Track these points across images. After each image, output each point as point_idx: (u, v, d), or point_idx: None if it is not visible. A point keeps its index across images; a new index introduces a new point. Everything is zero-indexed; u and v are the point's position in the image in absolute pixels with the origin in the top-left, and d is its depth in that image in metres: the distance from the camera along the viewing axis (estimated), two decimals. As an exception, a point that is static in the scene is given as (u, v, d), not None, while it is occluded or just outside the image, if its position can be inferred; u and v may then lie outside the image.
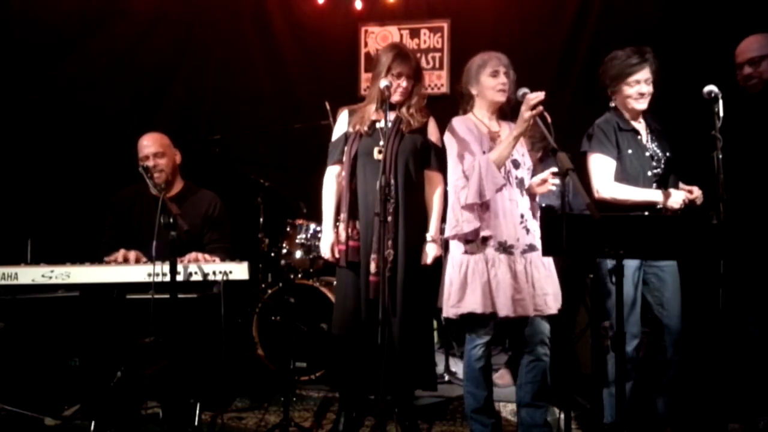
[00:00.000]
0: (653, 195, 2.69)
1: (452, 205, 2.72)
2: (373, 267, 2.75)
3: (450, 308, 2.66)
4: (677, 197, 2.67)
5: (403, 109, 2.87)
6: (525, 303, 2.58)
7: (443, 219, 2.90)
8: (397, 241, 2.79)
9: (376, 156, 2.78)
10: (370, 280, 2.76)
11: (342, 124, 2.96)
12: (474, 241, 2.65)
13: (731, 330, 2.72)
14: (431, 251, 2.85)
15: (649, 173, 2.74)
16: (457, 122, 2.76)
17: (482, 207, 2.62)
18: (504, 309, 2.57)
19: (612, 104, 2.83)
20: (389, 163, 2.76)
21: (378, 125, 2.83)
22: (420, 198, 2.90)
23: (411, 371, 2.84)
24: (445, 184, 2.90)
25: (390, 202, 2.73)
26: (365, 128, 2.84)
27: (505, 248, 2.61)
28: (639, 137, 2.78)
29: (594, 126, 2.82)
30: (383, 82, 2.70)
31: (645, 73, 2.71)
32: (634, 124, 2.80)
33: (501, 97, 2.69)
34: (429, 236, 2.86)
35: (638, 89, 2.72)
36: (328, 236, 2.91)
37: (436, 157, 2.89)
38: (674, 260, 2.73)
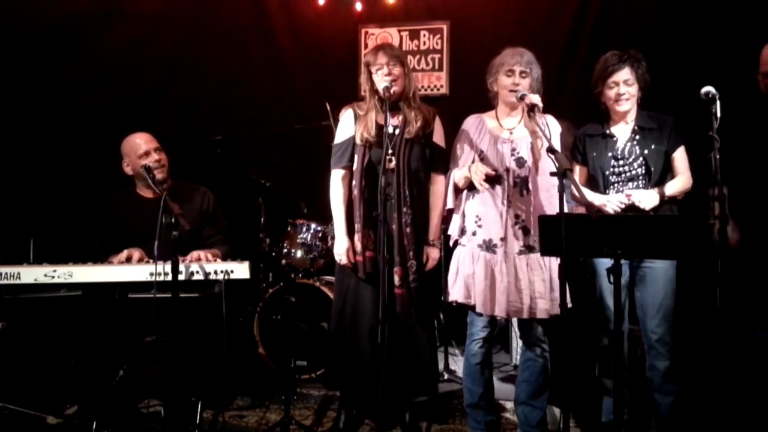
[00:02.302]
0: (592, 197, 2.74)
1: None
2: (397, 279, 2.71)
3: (447, 293, 2.74)
4: (613, 200, 2.70)
5: (405, 105, 2.81)
6: (500, 304, 2.58)
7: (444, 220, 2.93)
8: (417, 251, 2.77)
9: (387, 165, 2.65)
10: (396, 293, 2.72)
11: (347, 127, 2.86)
12: (465, 234, 2.69)
13: (733, 333, 2.68)
14: (433, 255, 2.84)
15: (607, 172, 2.77)
16: (467, 121, 2.79)
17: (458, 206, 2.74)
18: (479, 305, 2.61)
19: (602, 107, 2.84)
20: (402, 173, 2.73)
21: (385, 130, 2.67)
22: (427, 203, 2.89)
23: (419, 379, 2.86)
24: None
25: (406, 213, 2.73)
26: (373, 135, 2.76)
27: (488, 246, 2.64)
28: (612, 139, 2.79)
29: None
30: (382, 84, 2.69)
31: (623, 75, 2.71)
32: (614, 127, 2.81)
33: (511, 98, 2.65)
34: (430, 240, 2.85)
35: (616, 91, 2.73)
36: (342, 241, 2.83)
37: (440, 159, 2.89)
38: (671, 260, 2.70)
